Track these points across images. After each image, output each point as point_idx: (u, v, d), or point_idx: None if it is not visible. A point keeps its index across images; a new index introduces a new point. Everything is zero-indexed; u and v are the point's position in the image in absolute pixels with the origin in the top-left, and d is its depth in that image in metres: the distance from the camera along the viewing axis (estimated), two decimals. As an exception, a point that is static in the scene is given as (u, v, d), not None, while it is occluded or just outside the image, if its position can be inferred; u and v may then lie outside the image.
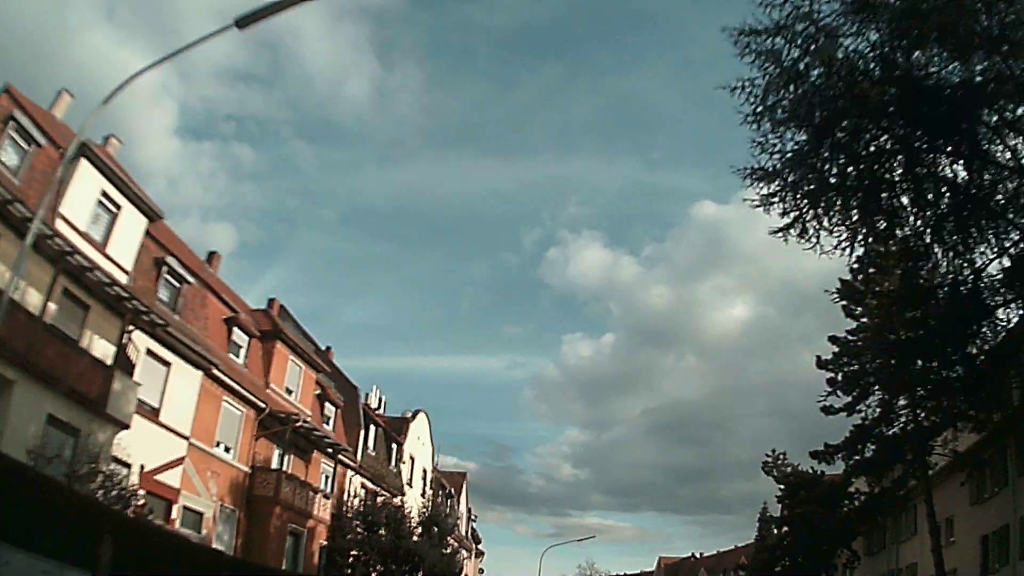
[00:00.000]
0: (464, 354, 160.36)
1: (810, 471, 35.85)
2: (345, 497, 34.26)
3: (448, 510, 44.49)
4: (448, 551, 38.45)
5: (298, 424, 28.78)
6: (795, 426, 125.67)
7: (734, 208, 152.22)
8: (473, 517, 71.69)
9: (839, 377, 28.88)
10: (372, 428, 39.52)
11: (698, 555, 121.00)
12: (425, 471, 49.46)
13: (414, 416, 48.10)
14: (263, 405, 27.32)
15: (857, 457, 29.51)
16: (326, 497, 31.76)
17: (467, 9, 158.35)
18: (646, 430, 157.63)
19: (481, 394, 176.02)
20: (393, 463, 42.83)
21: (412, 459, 46.24)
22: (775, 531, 44.63)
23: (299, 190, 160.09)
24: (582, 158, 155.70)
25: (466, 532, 66.04)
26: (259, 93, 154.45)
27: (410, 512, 35.66)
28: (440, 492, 51.56)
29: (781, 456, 39.57)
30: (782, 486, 38.95)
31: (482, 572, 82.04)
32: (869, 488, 32.53)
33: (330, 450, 33.62)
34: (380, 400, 47.21)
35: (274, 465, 28.27)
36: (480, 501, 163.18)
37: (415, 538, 33.46)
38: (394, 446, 43.17)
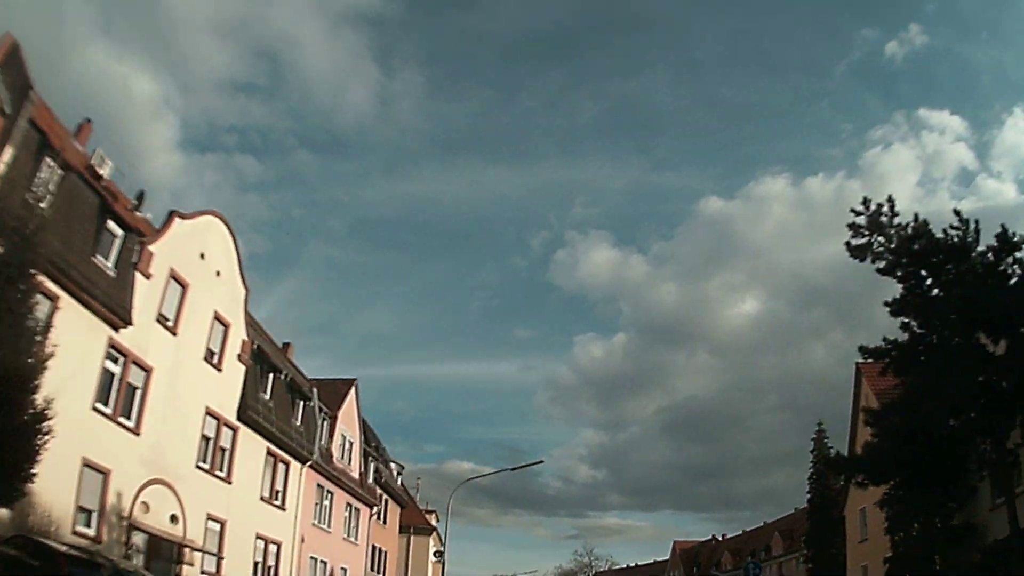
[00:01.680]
0: (476, 360, 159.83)
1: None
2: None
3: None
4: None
5: None
6: (808, 421, 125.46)
7: (740, 203, 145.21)
8: (401, 467, 55.35)
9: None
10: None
11: (720, 537, 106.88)
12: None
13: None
14: None
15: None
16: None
17: (467, 16, 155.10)
18: (661, 429, 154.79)
19: (495, 399, 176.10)
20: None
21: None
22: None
23: (306, 201, 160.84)
24: (587, 161, 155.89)
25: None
26: (260, 103, 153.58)
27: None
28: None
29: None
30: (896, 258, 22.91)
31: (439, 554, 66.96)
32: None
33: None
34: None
35: None
36: (498, 506, 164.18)
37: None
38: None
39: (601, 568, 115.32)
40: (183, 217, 23.77)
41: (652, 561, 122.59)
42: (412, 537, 61.15)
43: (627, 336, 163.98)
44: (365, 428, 44.46)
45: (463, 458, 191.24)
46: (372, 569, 41.33)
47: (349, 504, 37.35)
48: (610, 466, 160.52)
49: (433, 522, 67.86)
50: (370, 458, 40.97)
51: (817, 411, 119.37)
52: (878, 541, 32.86)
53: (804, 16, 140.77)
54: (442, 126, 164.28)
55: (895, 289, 23.07)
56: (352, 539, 37.68)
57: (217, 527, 25.19)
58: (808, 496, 50.94)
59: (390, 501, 44.71)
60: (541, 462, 29.54)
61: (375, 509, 40.52)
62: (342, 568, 36.02)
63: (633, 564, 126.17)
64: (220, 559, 24.94)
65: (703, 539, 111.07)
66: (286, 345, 36.42)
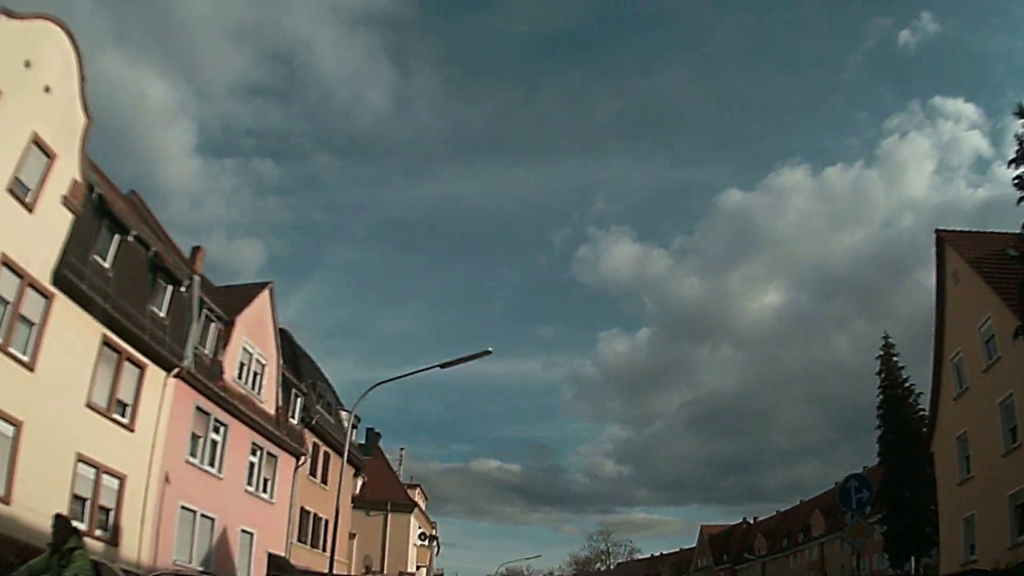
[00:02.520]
0: (501, 359, 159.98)
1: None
2: None
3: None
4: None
5: None
6: (833, 412, 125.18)
7: (760, 195, 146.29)
8: (356, 420, 44.99)
9: None
10: None
11: (751, 520, 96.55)
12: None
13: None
14: None
15: None
16: None
17: (483, 16, 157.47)
18: (686, 423, 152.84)
19: (520, 397, 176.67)
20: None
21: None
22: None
23: (326, 204, 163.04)
24: (607, 158, 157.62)
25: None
26: (277, 107, 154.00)
27: None
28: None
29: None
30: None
31: (427, 538, 57.78)
32: None
33: None
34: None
35: None
36: (525, 503, 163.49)
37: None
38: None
39: (620, 556, 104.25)
40: (9, 15, 16.99)
41: (678, 550, 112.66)
42: (390, 515, 51.84)
43: (651, 331, 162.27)
44: (296, 358, 34.89)
45: (489, 456, 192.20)
46: (304, 540, 31.65)
47: (258, 447, 27.76)
48: (636, 461, 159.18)
49: (419, 500, 58.25)
50: (295, 392, 31.29)
51: (842, 403, 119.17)
52: (993, 471, 22.91)
53: (817, 8, 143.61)
54: (461, 126, 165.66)
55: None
56: (263, 494, 28.10)
57: (9, 431, 15.96)
58: (879, 433, 40.45)
59: (333, 456, 35.04)
60: (489, 352, 18.39)
61: (302, 461, 30.85)
62: (244, 531, 26.43)
63: (658, 553, 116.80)
64: (10, 476, 15.78)
65: (733, 523, 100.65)
66: (196, 250, 27.09)
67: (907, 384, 40.31)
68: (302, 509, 31.16)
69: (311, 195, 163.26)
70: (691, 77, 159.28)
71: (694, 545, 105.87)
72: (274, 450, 28.87)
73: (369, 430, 58.56)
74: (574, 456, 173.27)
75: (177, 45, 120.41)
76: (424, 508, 61.23)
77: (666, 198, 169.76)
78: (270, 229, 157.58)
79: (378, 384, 21.31)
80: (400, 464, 58.67)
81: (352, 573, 41.60)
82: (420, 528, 57.22)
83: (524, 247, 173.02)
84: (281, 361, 30.36)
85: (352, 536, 50.31)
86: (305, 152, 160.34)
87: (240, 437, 26.56)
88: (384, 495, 52.68)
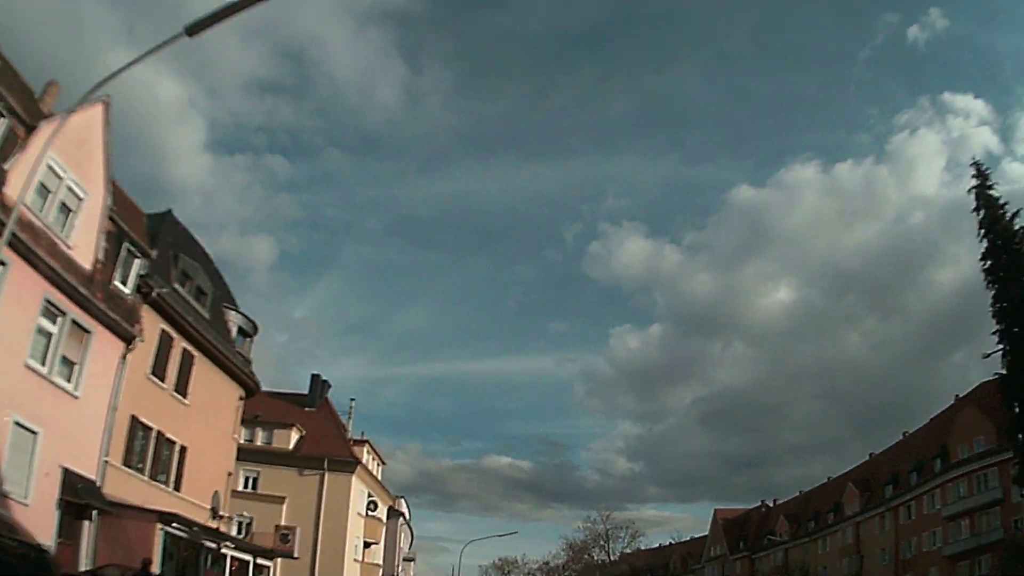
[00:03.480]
0: (513, 355, 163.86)
1: None
2: None
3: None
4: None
5: None
6: (844, 409, 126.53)
7: (771, 191, 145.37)
8: (253, 326, 31.97)
9: None
10: None
11: (770, 503, 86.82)
12: None
13: None
14: None
15: None
16: None
17: (495, 13, 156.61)
18: (698, 420, 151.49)
19: (532, 394, 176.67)
20: None
21: None
22: None
23: (339, 201, 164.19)
24: (620, 156, 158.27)
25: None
26: (288, 104, 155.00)
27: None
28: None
29: None
30: None
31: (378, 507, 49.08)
32: None
33: None
34: None
35: None
36: (536, 500, 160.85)
37: None
38: None
39: (621, 540, 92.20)
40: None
41: (688, 539, 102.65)
42: (327, 475, 42.59)
43: (663, 327, 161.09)
44: (174, 244, 25.63)
45: (501, 453, 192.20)
46: (136, 466, 22.06)
47: (55, 309, 18.43)
48: (647, 458, 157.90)
49: (370, 462, 48.62)
50: (129, 249, 21.74)
51: (853, 399, 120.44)
52: None
53: (826, 3, 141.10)
54: (474, 123, 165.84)
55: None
56: (62, 381, 18.64)
57: None
58: (997, 309, 30.00)
59: (202, 360, 25.56)
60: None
61: (132, 346, 21.31)
62: (21, 426, 17.09)
63: (667, 543, 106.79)
64: None
65: (751, 506, 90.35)
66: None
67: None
68: (133, 419, 21.59)
69: (324, 192, 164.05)
70: (703, 75, 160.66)
71: (707, 533, 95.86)
72: (86, 321, 19.47)
73: (315, 377, 49.38)
74: (585, 453, 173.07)
75: (188, 42, 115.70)
76: (379, 474, 51.64)
77: (677, 194, 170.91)
78: (282, 226, 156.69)
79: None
80: (350, 419, 49.19)
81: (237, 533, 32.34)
82: (370, 496, 47.74)
83: (537, 243, 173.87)
84: (111, 205, 20.94)
85: (281, 500, 41.03)
86: (317, 149, 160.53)
87: (23, 284, 17.25)
88: (324, 451, 43.50)
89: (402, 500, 62.41)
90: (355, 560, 44.25)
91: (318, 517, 41.05)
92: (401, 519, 61.12)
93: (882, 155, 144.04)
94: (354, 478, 43.41)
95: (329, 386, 49.64)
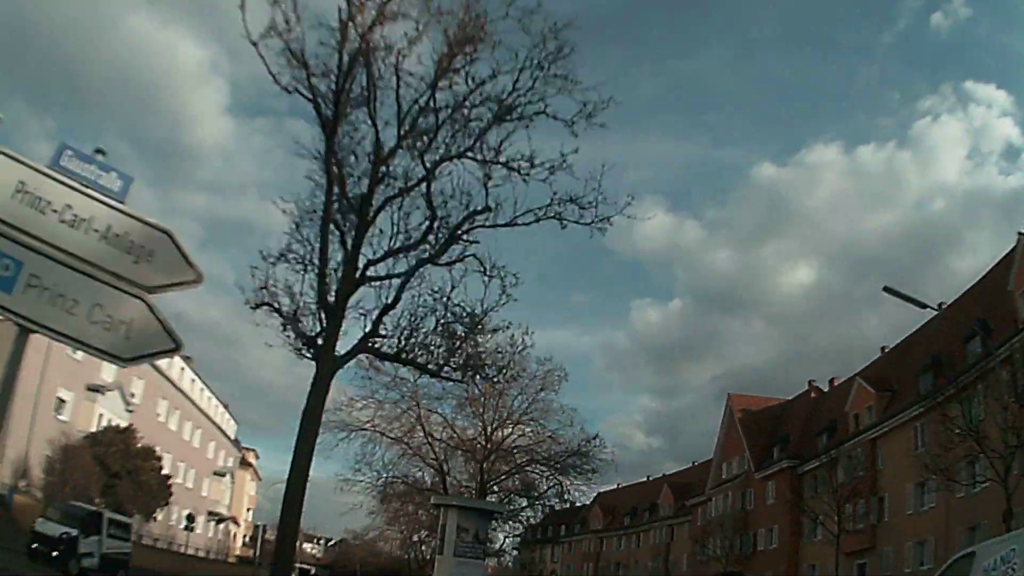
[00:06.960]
0: (533, 326, 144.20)
1: None
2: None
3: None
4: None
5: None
6: None
7: (793, 170, 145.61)
8: None
9: None
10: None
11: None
12: None
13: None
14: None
15: None
16: None
17: None
18: (716, 396, 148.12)
19: (552, 366, 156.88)
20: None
21: None
22: None
23: None
24: (644, 136, 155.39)
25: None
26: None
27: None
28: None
29: None
30: None
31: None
32: None
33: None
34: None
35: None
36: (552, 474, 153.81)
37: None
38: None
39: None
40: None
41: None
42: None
43: (683, 302, 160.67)
44: None
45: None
46: None
47: None
48: (665, 433, 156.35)
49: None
50: None
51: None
52: None
53: None
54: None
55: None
56: None
57: None
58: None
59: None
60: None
61: None
62: None
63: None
64: None
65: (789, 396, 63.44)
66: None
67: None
68: None
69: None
70: (730, 60, 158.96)
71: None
72: None
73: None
74: (603, 426, 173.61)
75: (209, 3, 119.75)
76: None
77: (699, 170, 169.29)
78: (303, 188, 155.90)
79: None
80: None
81: None
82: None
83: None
84: None
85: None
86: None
87: None
88: None
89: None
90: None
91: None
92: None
93: (904, 140, 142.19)
94: None
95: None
